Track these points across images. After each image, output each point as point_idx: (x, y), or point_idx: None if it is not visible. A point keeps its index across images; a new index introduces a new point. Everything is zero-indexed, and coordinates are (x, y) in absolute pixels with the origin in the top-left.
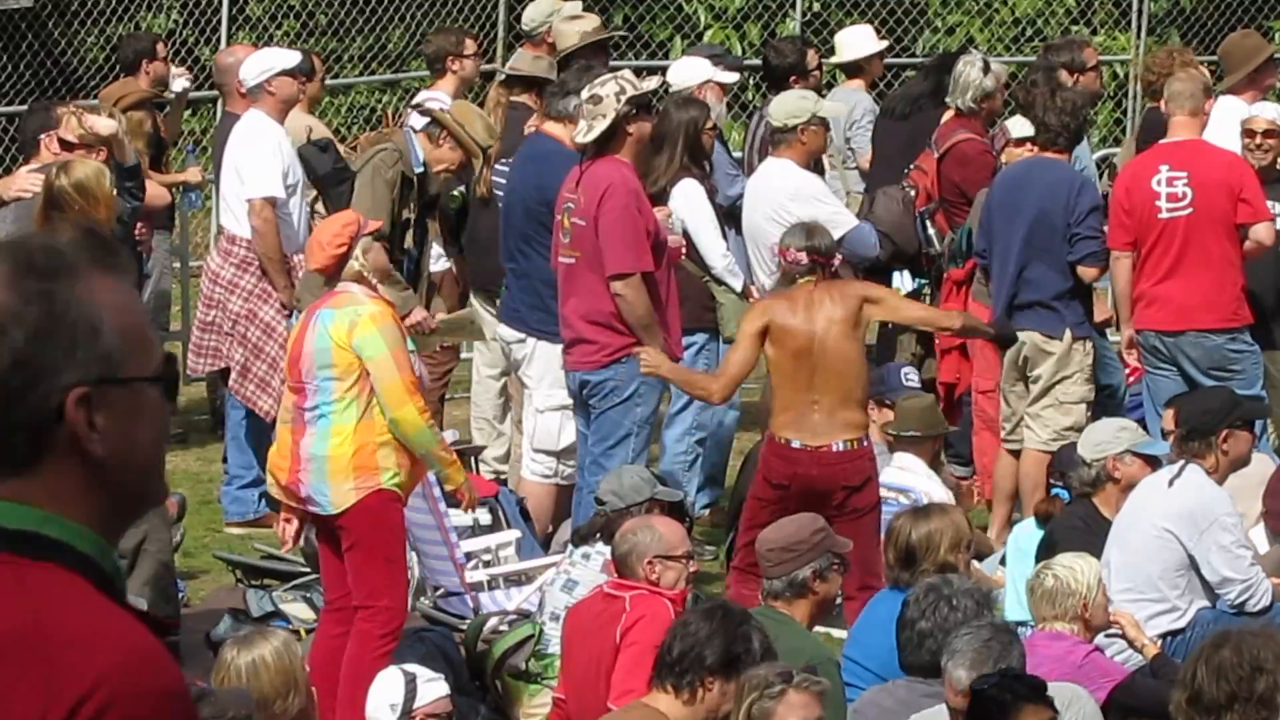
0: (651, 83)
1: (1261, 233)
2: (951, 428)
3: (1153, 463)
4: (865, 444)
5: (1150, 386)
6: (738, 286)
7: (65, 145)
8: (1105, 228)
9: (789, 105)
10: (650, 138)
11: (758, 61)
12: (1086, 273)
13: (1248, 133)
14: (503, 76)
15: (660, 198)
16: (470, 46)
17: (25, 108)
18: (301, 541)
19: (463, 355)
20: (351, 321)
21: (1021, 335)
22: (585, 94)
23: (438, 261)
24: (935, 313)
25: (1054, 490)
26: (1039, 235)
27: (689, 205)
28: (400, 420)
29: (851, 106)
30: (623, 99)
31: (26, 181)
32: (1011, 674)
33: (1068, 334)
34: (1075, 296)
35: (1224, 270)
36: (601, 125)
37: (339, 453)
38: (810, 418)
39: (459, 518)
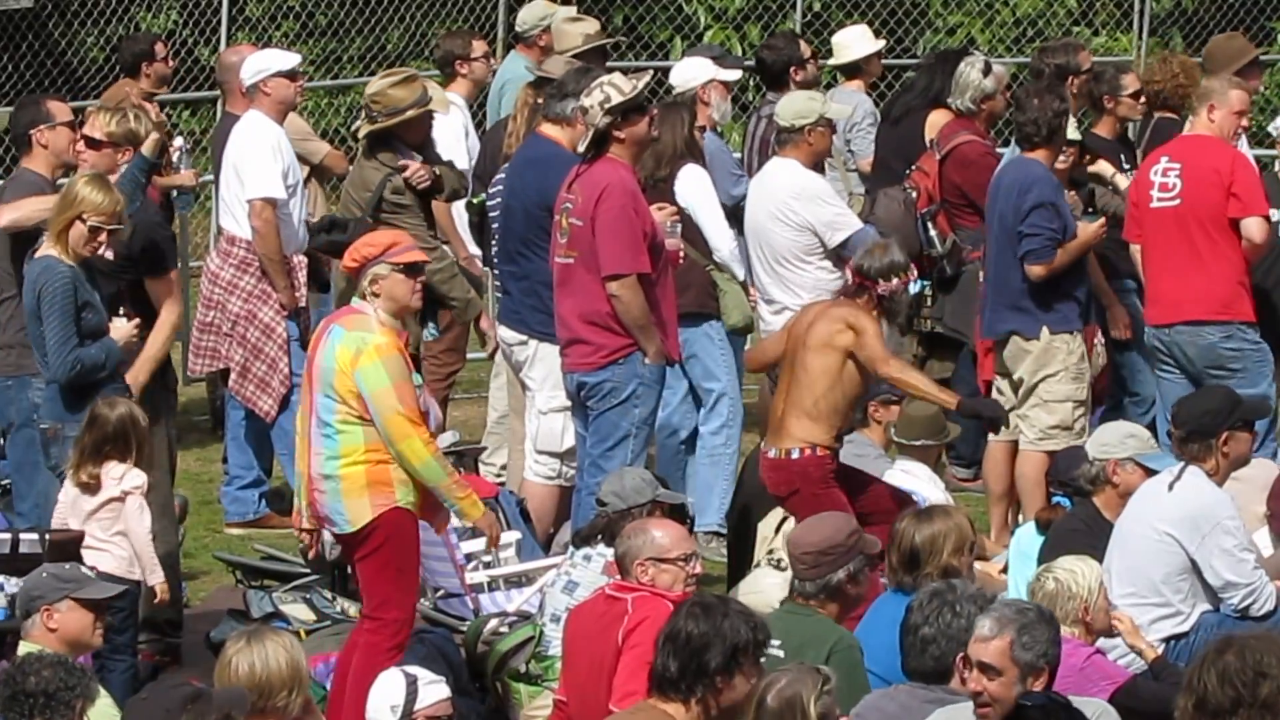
0: (639, 82)
1: (1252, 228)
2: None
3: (1154, 475)
4: (796, 456)
5: (1158, 389)
6: (740, 274)
7: (91, 143)
8: (1052, 225)
9: (797, 105)
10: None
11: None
12: (1031, 271)
13: None
14: (530, 79)
15: (667, 184)
16: (479, 48)
17: None
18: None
19: (470, 356)
20: (357, 350)
21: (1003, 339)
22: (578, 103)
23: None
24: (909, 374)
25: (1055, 499)
26: (1002, 237)
27: (695, 190)
28: (405, 454)
29: (852, 108)
30: (605, 107)
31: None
32: (1060, 700)
33: (1044, 332)
34: (1051, 294)
35: (1214, 264)
36: (589, 135)
37: (351, 472)
38: (774, 421)
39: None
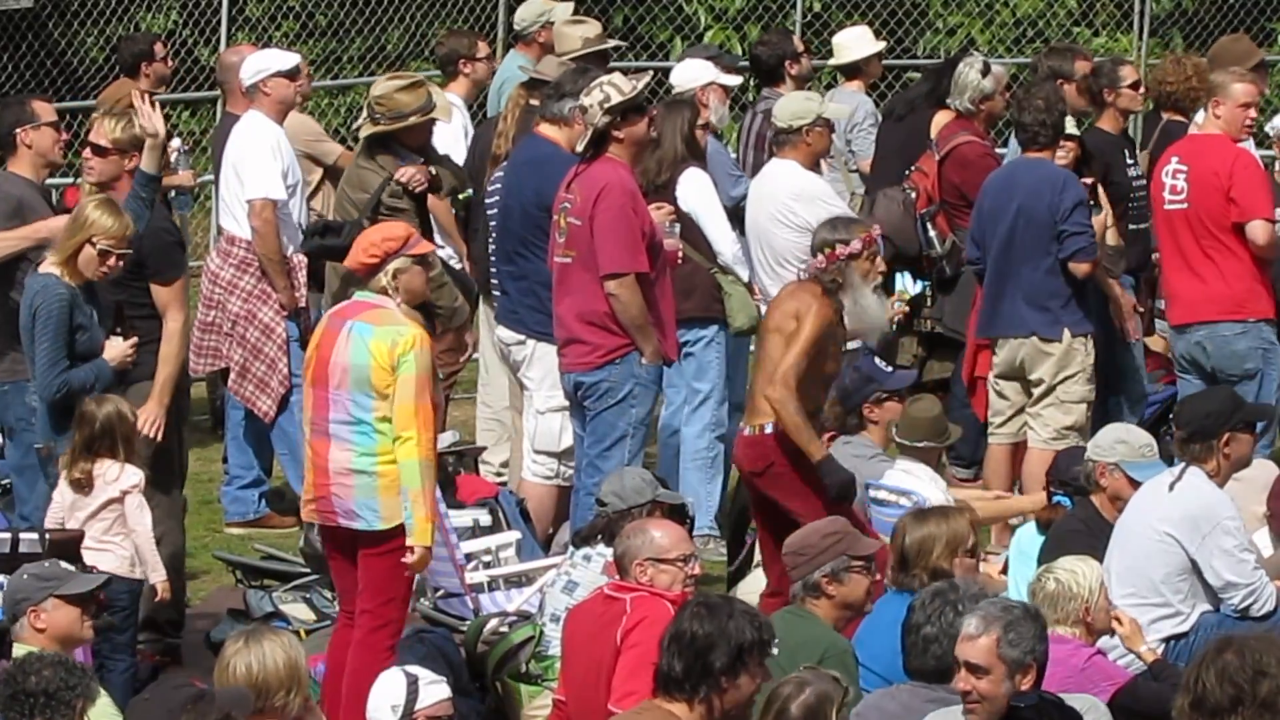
0: (639, 82)
1: (1254, 232)
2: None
3: (1138, 486)
4: (770, 430)
5: (1178, 390)
6: (745, 276)
7: (97, 150)
8: (1089, 221)
9: (794, 106)
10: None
11: None
12: (1078, 269)
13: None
14: (526, 78)
15: (667, 188)
16: (483, 49)
17: None
18: (301, 542)
19: (472, 357)
20: (394, 341)
21: (1017, 340)
22: (576, 103)
23: (450, 263)
24: (787, 409)
25: (1055, 498)
26: (1025, 236)
27: (697, 194)
28: (404, 441)
29: (853, 109)
30: (605, 107)
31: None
32: (1051, 699)
33: (1066, 334)
34: (1071, 295)
35: (1226, 264)
36: (589, 135)
37: (389, 469)
38: (749, 401)
39: (459, 519)
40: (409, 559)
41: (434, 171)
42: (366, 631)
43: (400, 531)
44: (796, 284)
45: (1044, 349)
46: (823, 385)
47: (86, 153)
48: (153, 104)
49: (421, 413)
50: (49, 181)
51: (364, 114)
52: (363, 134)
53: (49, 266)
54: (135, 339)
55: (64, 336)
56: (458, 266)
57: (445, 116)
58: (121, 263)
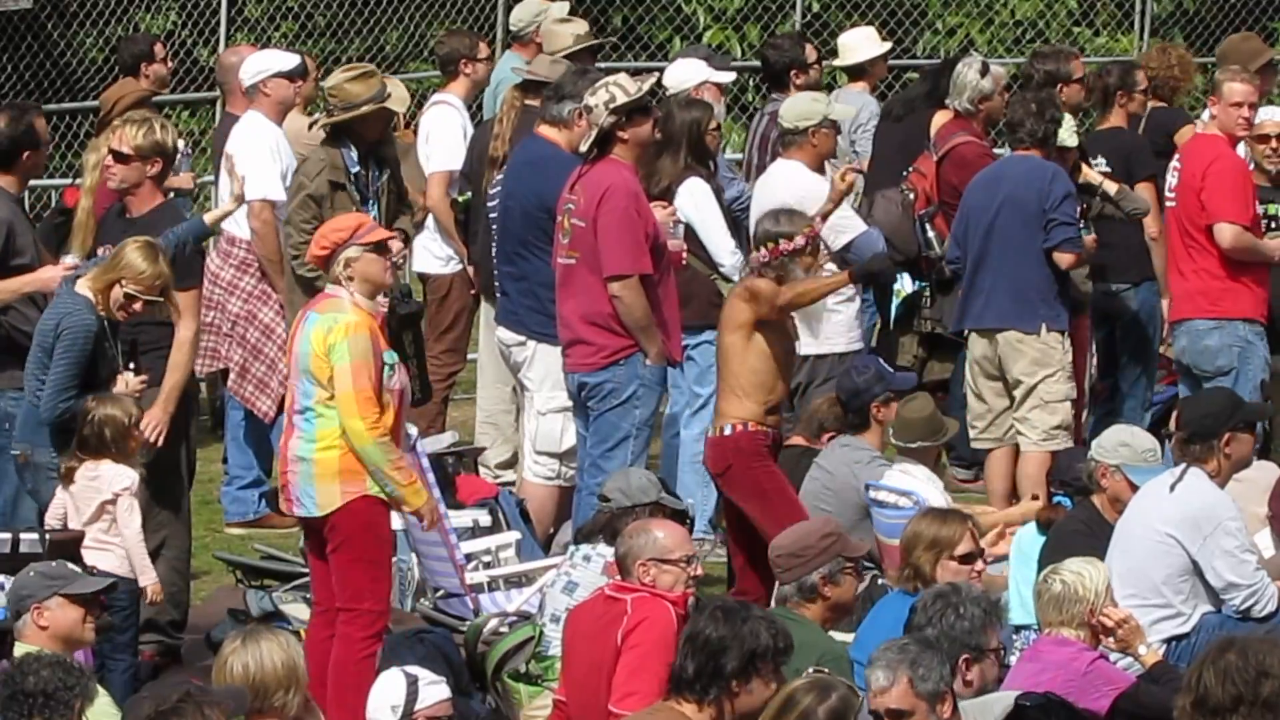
0: (646, 83)
1: (1220, 234)
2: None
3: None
4: (729, 432)
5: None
6: None
7: (119, 157)
8: (1076, 214)
9: (801, 107)
10: (655, 139)
11: (758, 63)
12: (1062, 259)
13: (1260, 138)
14: (520, 80)
15: (665, 197)
16: (484, 50)
17: None
18: (301, 542)
19: (471, 357)
20: (328, 329)
21: (991, 334)
22: (583, 102)
23: (449, 264)
24: (799, 286)
25: (1056, 498)
26: (1010, 225)
27: (695, 203)
28: (348, 431)
29: (858, 109)
30: (610, 107)
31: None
32: (1057, 699)
33: (1043, 328)
34: (1053, 289)
35: (1203, 262)
36: (593, 134)
37: (324, 456)
38: (716, 405)
39: (459, 519)
40: (421, 519)
41: (408, 233)
42: (343, 625)
43: (342, 523)
44: (741, 285)
45: (1018, 346)
46: (781, 372)
47: (109, 159)
48: (232, 169)
49: (360, 397)
50: (47, 182)
51: (321, 106)
52: (319, 125)
53: (85, 289)
54: (145, 377)
55: (80, 365)
56: (458, 268)
57: (399, 106)
58: (148, 309)
